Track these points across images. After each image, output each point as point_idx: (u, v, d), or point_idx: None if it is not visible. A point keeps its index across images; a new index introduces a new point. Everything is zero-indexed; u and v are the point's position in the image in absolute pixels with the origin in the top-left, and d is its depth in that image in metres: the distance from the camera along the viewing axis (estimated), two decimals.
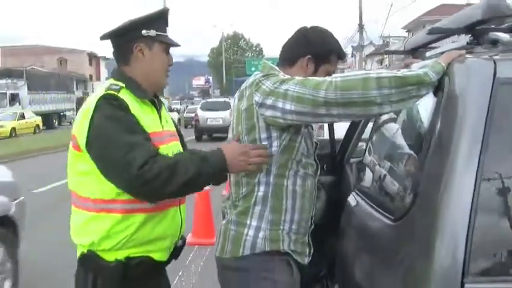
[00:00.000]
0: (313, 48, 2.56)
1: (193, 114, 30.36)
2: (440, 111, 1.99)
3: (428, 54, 3.06)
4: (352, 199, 2.96)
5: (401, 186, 2.26)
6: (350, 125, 3.90)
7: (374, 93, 2.15)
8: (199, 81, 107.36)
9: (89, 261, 2.52)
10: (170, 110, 32.52)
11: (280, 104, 2.31)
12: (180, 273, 6.23)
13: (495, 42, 2.16)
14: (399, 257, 1.93)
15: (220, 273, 2.61)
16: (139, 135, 2.36)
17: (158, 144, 2.43)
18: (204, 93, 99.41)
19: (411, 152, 2.33)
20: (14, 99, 44.09)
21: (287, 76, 2.40)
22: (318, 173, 2.68)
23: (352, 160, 3.72)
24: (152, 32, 2.54)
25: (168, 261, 2.68)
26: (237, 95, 2.63)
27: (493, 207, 1.75)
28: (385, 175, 2.59)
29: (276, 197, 2.46)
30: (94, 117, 2.36)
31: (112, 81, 2.56)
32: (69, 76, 53.73)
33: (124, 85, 2.49)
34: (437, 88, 2.11)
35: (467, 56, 2.10)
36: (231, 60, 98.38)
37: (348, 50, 65.25)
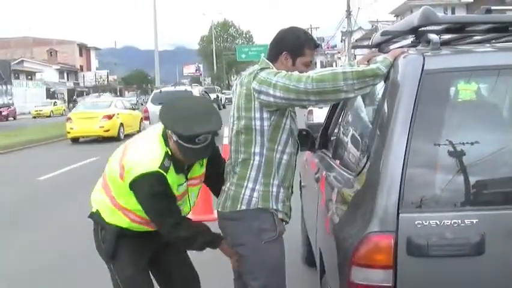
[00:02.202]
0: (288, 45, 3.26)
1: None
2: (386, 95, 2.72)
3: (391, 47, 3.78)
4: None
5: (359, 151, 3.01)
6: (328, 112, 4.68)
7: (341, 83, 2.89)
8: (189, 69, 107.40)
9: (96, 218, 3.43)
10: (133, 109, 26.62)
11: (271, 92, 3.03)
12: None
13: (429, 42, 2.86)
14: (357, 200, 2.67)
15: (220, 222, 3.38)
16: (172, 204, 3.22)
17: (179, 200, 3.30)
18: (195, 80, 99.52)
19: (367, 126, 3.06)
20: None
21: (277, 70, 3.13)
22: (298, 152, 3.44)
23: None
24: (174, 137, 3.09)
25: None
26: (238, 82, 3.34)
27: (419, 163, 2.45)
28: (349, 144, 3.35)
29: (267, 166, 3.20)
30: (141, 182, 3.11)
31: (161, 141, 3.20)
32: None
33: (170, 151, 3.16)
34: (386, 77, 2.82)
35: (407, 52, 2.81)
36: (221, 48, 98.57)
37: (337, 36, 65.77)
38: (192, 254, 3.69)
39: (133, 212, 3.29)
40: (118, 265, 3.40)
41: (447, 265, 2.38)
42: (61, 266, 6.62)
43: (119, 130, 22.94)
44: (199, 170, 3.42)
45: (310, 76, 2.95)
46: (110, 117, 22.78)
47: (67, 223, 8.63)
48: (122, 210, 3.31)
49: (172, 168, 3.17)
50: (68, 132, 22.87)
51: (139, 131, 20.41)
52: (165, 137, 3.20)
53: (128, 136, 20.28)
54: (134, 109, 26.62)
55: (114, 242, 3.35)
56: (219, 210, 3.33)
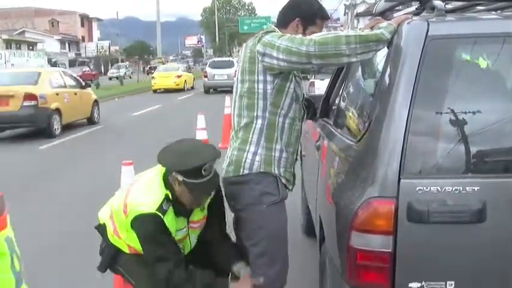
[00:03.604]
0: (301, 12, 3.25)
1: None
2: (389, 61, 2.68)
3: (394, 15, 3.74)
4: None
5: (361, 118, 2.98)
6: (330, 81, 4.65)
7: (343, 47, 2.85)
8: (191, 41, 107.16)
9: (102, 232, 3.47)
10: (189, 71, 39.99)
11: (275, 54, 3.01)
12: None
13: (434, 8, 2.82)
14: (358, 166, 2.64)
15: (225, 188, 3.35)
16: (171, 246, 3.16)
17: (180, 241, 3.27)
18: (197, 52, 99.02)
19: (369, 94, 3.03)
20: None
21: (282, 33, 3.11)
22: (304, 118, 3.42)
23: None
24: (180, 178, 3.06)
25: None
26: (243, 46, 3.33)
27: (421, 129, 2.43)
28: (350, 112, 3.32)
29: (269, 129, 3.17)
30: (138, 223, 3.11)
31: (161, 184, 3.17)
32: None
33: (169, 194, 3.13)
34: (390, 43, 2.79)
35: (412, 18, 2.77)
36: (224, 20, 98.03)
37: (340, 9, 65.31)
38: None
39: (132, 247, 3.31)
40: (120, 263, 3.45)
41: (447, 232, 2.37)
42: None
43: (184, 85, 35.36)
44: (200, 213, 3.37)
45: (313, 39, 2.92)
46: (179, 76, 35.45)
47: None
48: (123, 241, 3.34)
49: (171, 212, 3.15)
50: (152, 86, 35.33)
51: (192, 87, 36.85)
52: (166, 181, 3.17)
53: (189, 89, 35.75)
54: (190, 71, 39.77)
55: (111, 258, 3.41)
56: (223, 176, 3.30)
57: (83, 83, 18.52)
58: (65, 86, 16.36)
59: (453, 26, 2.70)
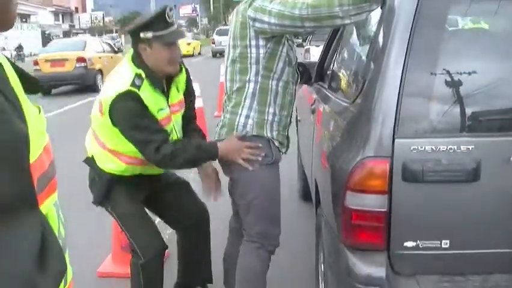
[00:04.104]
0: None
1: None
2: (382, 21, 2.66)
3: None
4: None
5: (355, 80, 2.97)
6: (324, 46, 4.62)
7: (336, 9, 2.82)
8: (186, 10, 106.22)
9: (90, 163, 3.41)
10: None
11: (266, 19, 2.98)
12: None
13: None
14: (352, 127, 2.64)
15: None
16: (151, 119, 3.13)
17: (164, 125, 3.23)
18: (191, 21, 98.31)
19: (363, 57, 3.01)
20: None
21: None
22: (298, 81, 3.39)
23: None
24: (149, 34, 3.12)
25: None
26: (234, 11, 3.30)
27: (414, 92, 2.42)
28: (345, 74, 3.30)
29: (262, 93, 3.15)
30: (116, 106, 3.08)
31: (131, 65, 3.19)
32: None
33: (143, 73, 3.14)
34: (383, 3, 2.76)
35: None
36: None
37: None
38: None
39: (124, 154, 3.28)
40: (114, 205, 3.42)
41: (442, 191, 2.38)
42: None
43: (193, 51, 41.82)
44: (177, 95, 3.41)
45: (306, 2, 2.89)
46: (188, 44, 40.58)
47: None
48: (114, 154, 3.30)
49: (146, 87, 3.15)
50: None
51: (199, 53, 43.94)
52: (135, 61, 3.20)
53: (197, 55, 42.50)
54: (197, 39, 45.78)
55: (106, 188, 3.37)
56: (216, 138, 3.31)
57: (116, 49, 22.83)
58: (103, 52, 20.35)
59: None
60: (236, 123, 3.18)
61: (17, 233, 0.82)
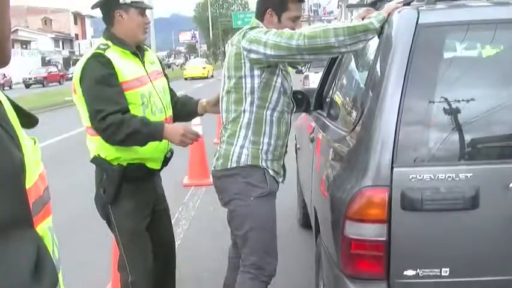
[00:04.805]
0: (269, 1, 3.24)
1: None
2: (380, 50, 2.68)
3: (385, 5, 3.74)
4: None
5: (354, 108, 2.98)
6: (323, 74, 4.65)
7: (332, 40, 2.86)
8: (185, 37, 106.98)
9: (98, 162, 3.33)
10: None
11: (262, 50, 3.01)
12: (180, 209, 6.94)
13: None
14: (351, 155, 2.65)
15: (214, 182, 3.38)
16: (113, 89, 3.14)
17: (138, 86, 3.24)
18: (191, 47, 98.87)
19: (361, 85, 3.03)
20: None
21: (267, 29, 3.10)
22: (294, 111, 3.41)
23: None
24: (128, 0, 3.24)
25: (161, 169, 3.51)
26: (228, 42, 3.34)
27: (413, 118, 2.43)
28: (343, 103, 3.31)
29: (257, 123, 3.18)
30: (83, 72, 3.16)
31: (102, 40, 3.32)
32: None
33: (111, 43, 3.26)
34: (381, 33, 2.78)
35: (402, 7, 2.77)
36: (217, 15, 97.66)
37: (334, 2, 65.27)
38: None
39: None
40: (118, 214, 3.35)
41: (441, 219, 2.38)
42: None
43: (207, 74, 47.72)
44: (151, 64, 3.47)
45: (302, 33, 2.93)
46: (204, 68, 48.67)
47: None
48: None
49: (115, 49, 3.23)
50: (184, 75, 48.06)
51: (212, 75, 47.48)
52: (105, 35, 3.33)
53: (210, 77, 46.43)
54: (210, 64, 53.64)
55: (117, 183, 3.27)
56: (212, 169, 3.34)
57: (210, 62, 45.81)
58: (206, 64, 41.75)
59: (443, 14, 2.71)
60: (231, 153, 3.20)
61: (14, 249, 0.89)
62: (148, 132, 3.15)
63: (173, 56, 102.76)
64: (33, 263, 0.91)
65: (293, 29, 3.13)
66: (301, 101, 4.17)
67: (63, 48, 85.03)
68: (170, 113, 3.46)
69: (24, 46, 66.67)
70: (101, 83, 3.11)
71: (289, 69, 3.37)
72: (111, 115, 3.07)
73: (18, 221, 0.91)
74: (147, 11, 3.41)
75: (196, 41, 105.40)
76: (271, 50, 2.98)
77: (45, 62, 66.07)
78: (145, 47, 3.52)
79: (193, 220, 6.55)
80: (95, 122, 3.11)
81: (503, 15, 2.65)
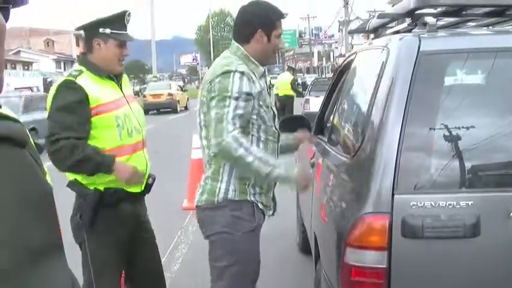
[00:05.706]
0: (260, 22, 3.11)
1: None
2: (382, 76, 2.69)
3: (387, 32, 3.77)
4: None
5: (355, 134, 2.98)
6: (324, 98, 4.68)
7: (232, 161, 2.96)
8: (186, 59, 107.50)
9: (74, 186, 3.30)
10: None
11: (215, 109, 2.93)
12: (179, 233, 6.90)
13: (426, 24, 2.84)
14: (352, 182, 2.65)
15: (198, 214, 3.22)
16: (74, 117, 3.12)
17: (114, 109, 3.26)
18: (192, 70, 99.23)
19: (363, 111, 3.03)
20: None
21: (229, 91, 2.93)
22: (279, 139, 3.28)
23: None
24: (108, 31, 3.28)
25: (143, 194, 3.48)
26: (203, 78, 3.25)
27: (414, 145, 2.44)
28: (344, 129, 3.32)
29: None
30: (52, 99, 3.18)
31: (76, 66, 3.37)
32: None
33: (84, 69, 3.28)
34: (386, 60, 2.77)
35: (403, 34, 2.79)
36: (218, 37, 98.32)
37: (335, 25, 65.67)
38: None
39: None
40: (92, 242, 3.27)
41: (442, 247, 2.37)
42: None
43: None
44: (128, 89, 3.52)
45: (228, 141, 2.86)
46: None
47: None
48: None
49: (87, 73, 3.24)
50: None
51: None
52: (79, 60, 3.38)
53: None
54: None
55: (94, 207, 3.21)
56: (196, 204, 3.19)
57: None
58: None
59: (445, 42, 2.73)
60: (217, 189, 3.07)
61: (55, 273, 0.90)
62: (100, 161, 3.13)
63: (174, 77, 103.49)
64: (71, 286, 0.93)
65: (278, 46, 3.14)
66: (301, 126, 4.19)
67: (64, 69, 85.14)
68: (144, 133, 3.45)
69: (26, 67, 66.86)
70: (64, 110, 3.12)
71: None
72: (64, 140, 3.06)
73: (56, 246, 0.93)
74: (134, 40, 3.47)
75: (197, 63, 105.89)
76: (215, 116, 2.92)
77: (46, 83, 66.24)
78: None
79: (192, 244, 6.51)
80: (48, 144, 3.11)
81: (504, 43, 2.67)
